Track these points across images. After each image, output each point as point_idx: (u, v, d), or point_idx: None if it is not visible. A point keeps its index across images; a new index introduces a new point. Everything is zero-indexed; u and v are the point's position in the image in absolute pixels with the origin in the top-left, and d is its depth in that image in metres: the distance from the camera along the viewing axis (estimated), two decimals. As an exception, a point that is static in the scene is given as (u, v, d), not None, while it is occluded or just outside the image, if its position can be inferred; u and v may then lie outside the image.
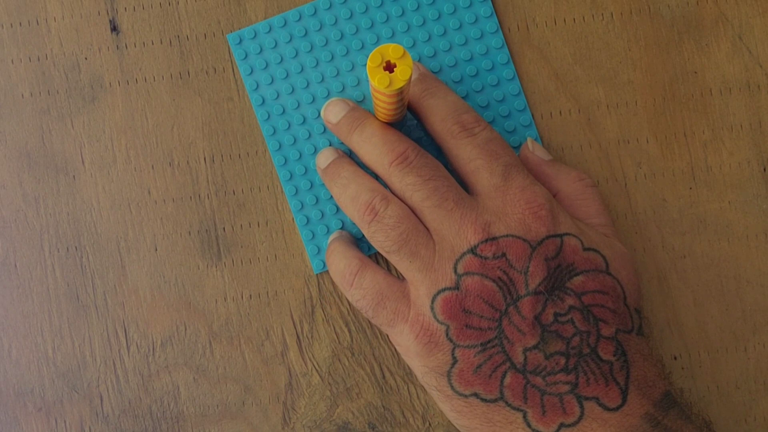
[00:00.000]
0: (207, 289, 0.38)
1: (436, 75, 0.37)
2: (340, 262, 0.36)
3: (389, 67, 0.31)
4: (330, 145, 0.37)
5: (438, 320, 0.33)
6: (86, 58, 0.38)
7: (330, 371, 0.38)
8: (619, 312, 0.33)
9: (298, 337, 0.38)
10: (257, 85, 0.37)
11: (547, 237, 0.33)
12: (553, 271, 0.33)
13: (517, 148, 0.37)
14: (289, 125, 0.37)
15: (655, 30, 0.38)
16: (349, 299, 0.35)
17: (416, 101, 0.35)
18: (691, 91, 0.38)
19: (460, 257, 0.33)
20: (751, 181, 0.38)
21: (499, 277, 0.33)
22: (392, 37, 0.37)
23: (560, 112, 0.38)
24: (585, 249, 0.33)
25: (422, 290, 0.33)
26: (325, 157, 0.37)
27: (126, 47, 0.38)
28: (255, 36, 0.37)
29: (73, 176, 0.38)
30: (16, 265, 0.38)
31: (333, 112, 0.36)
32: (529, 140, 0.37)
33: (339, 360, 0.38)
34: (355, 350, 0.38)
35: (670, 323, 0.38)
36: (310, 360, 0.38)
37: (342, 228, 0.37)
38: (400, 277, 0.35)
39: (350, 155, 0.37)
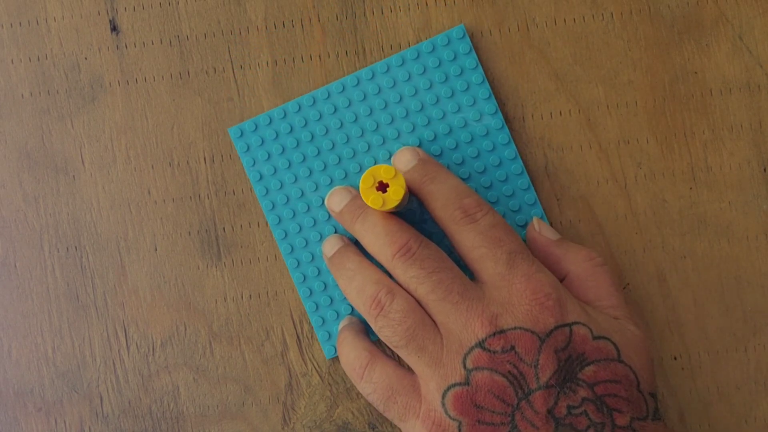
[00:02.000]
0: (207, 289, 0.38)
1: (437, 159, 0.37)
2: (350, 354, 0.35)
3: (382, 187, 0.32)
4: (335, 233, 0.37)
5: (450, 416, 0.32)
6: (86, 58, 0.38)
7: (330, 371, 0.38)
8: (633, 399, 0.32)
9: (298, 337, 0.38)
10: (260, 176, 0.37)
11: (556, 327, 0.33)
12: (563, 363, 0.32)
13: (522, 227, 0.37)
14: (294, 213, 0.37)
15: (655, 30, 0.38)
16: (360, 391, 0.35)
17: (417, 187, 0.35)
18: (692, 91, 0.38)
19: (469, 351, 0.32)
20: (752, 181, 0.37)
21: (509, 371, 0.32)
22: (391, 123, 0.37)
23: (560, 112, 0.38)
24: (595, 338, 0.33)
25: (432, 385, 0.33)
26: (330, 246, 0.37)
27: (126, 47, 0.38)
28: (256, 128, 0.37)
29: (73, 176, 0.38)
30: (15, 265, 0.38)
31: (335, 200, 0.36)
32: (535, 220, 0.37)
33: (339, 360, 0.38)
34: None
35: (670, 324, 0.38)
36: (310, 360, 0.38)
37: (351, 313, 0.37)
38: (409, 369, 0.35)
39: (356, 242, 0.37)
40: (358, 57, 0.38)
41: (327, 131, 0.37)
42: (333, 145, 0.37)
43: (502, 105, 0.38)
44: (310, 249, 0.37)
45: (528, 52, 0.38)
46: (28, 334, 0.38)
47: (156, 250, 0.38)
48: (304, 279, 0.37)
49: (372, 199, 0.32)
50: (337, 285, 0.37)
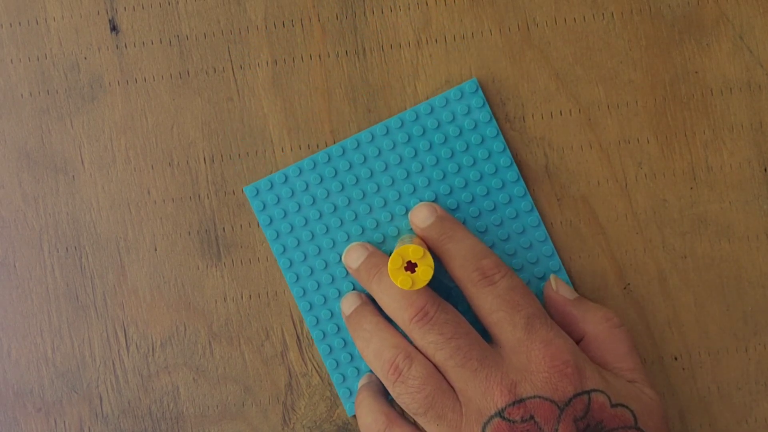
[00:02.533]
0: (207, 289, 0.38)
1: (453, 212, 0.37)
2: (367, 417, 0.35)
3: (410, 267, 0.32)
4: (354, 289, 0.37)
5: None
6: (86, 58, 0.38)
7: (330, 371, 0.38)
8: None
9: (298, 337, 0.38)
10: (277, 235, 0.37)
11: (575, 396, 0.32)
12: (583, 431, 0.32)
13: (541, 279, 0.37)
14: (312, 271, 0.37)
15: (655, 30, 0.38)
16: None
17: (435, 245, 0.35)
18: (692, 91, 0.38)
19: (488, 421, 0.32)
20: (752, 181, 0.37)
21: None
22: (407, 178, 0.37)
23: (560, 112, 0.38)
24: (613, 405, 0.33)
25: None
26: (348, 304, 0.37)
27: (126, 47, 0.38)
28: (271, 187, 0.37)
29: (73, 176, 0.38)
30: (15, 265, 0.38)
31: (352, 257, 0.36)
32: (552, 278, 0.37)
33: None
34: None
35: (670, 323, 0.38)
36: (310, 360, 0.38)
37: (371, 371, 0.37)
38: None
39: (373, 299, 0.37)
40: (358, 57, 0.38)
41: (343, 188, 0.37)
42: (349, 201, 0.37)
43: (502, 105, 0.38)
44: (328, 306, 0.37)
45: (528, 52, 0.38)
46: (27, 334, 0.38)
47: (156, 250, 0.38)
48: (324, 336, 0.37)
49: (401, 280, 0.32)
50: None
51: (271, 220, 0.37)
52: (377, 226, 0.37)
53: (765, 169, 0.38)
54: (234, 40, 0.38)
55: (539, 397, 0.32)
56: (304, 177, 0.37)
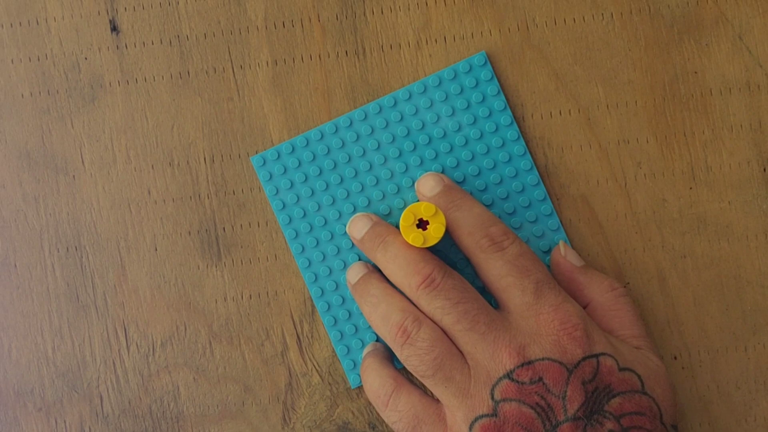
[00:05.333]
0: (207, 289, 0.38)
1: (460, 185, 0.37)
2: (374, 381, 0.35)
3: (422, 225, 0.31)
4: (359, 260, 0.37)
5: None
6: (86, 58, 0.38)
7: (330, 371, 0.38)
8: (656, 431, 0.33)
9: (298, 337, 0.38)
10: (284, 205, 0.37)
11: (584, 359, 0.33)
12: (591, 394, 0.32)
13: (546, 252, 0.37)
14: (317, 242, 0.37)
15: (655, 30, 0.38)
16: (384, 419, 0.35)
17: (442, 214, 0.35)
18: (691, 91, 0.38)
19: (497, 383, 0.32)
20: (751, 181, 0.38)
21: (537, 403, 0.32)
22: (413, 151, 0.37)
23: (560, 112, 0.38)
24: (621, 369, 0.33)
25: (459, 416, 0.33)
26: (354, 273, 0.36)
27: (126, 47, 0.38)
28: (278, 157, 0.37)
29: (73, 176, 0.38)
30: (15, 265, 0.38)
31: (357, 227, 0.36)
32: (561, 243, 0.37)
33: (339, 360, 0.38)
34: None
35: (670, 323, 0.38)
36: (310, 360, 0.38)
37: (377, 340, 0.37)
38: (435, 398, 0.34)
39: (379, 269, 0.37)
40: (358, 57, 0.38)
41: (350, 159, 0.37)
42: (356, 172, 0.37)
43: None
44: (333, 277, 0.37)
45: (528, 52, 0.38)
46: (28, 334, 0.38)
47: (156, 250, 0.38)
48: (329, 307, 0.37)
49: (413, 237, 0.32)
50: (361, 313, 0.37)
51: (278, 191, 0.37)
52: (383, 197, 0.37)
53: (764, 169, 0.38)
54: (234, 40, 0.38)
55: (548, 359, 0.32)
56: (311, 148, 0.37)
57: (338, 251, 0.37)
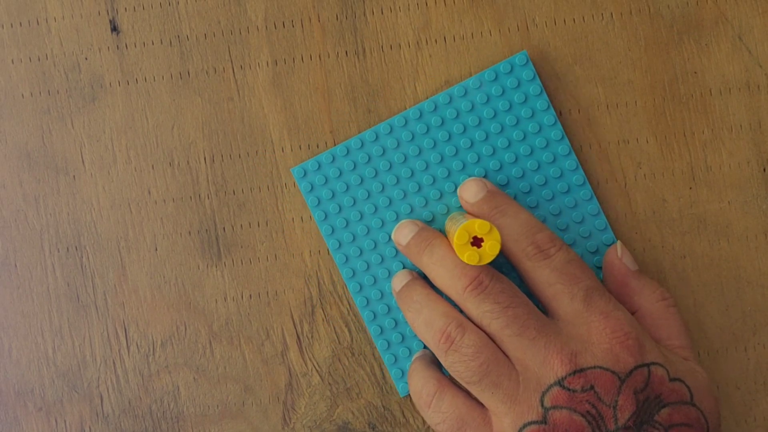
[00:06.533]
0: (207, 289, 0.38)
1: (503, 188, 0.37)
2: (418, 382, 0.35)
3: (476, 242, 0.31)
4: (404, 268, 0.37)
5: None
6: (86, 58, 0.38)
7: (330, 371, 0.38)
8: None
9: (298, 337, 0.38)
10: (325, 216, 0.37)
11: (636, 368, 0.32)
12: (642, 404, 0.32)
13: (593, 253, 0.37)
14: (361, 251, 0.37)
15: (655, 30, 0.38)
16: (427, 421, 0.34)
17: (486, 220, 0.34)
18: (691, 91, 0.38)
19: (547, 389, 0.32)
20: (751, 181, 0.38)
21: (588, 411, 0.31)
22: (455, 155, 0.37)
23: (560, 112, 0.38)
24: (671, 379, 0.32)
25: (506, 422, 0.32)
26: (398, 281, 0.36)
27: (126, 47, 0.38)
28: (319, 167, 0.37)
29: (73, 176, 0.38)
30: (16, 265, 0.38)
31: (402, 233, 0.36)
32: (619, 244, 0.36)
33: (339, 360, 0.38)
34: (355, 350, 0.38)
35: (670, 323, 0.38)
36: (310, 360, 0.38)
37: (425, 347, 0.37)
38: (479, 403, 0.34)
39: (424, 276, 0.36)
40: (358, 57, 0.38)
41: (390, 166, 0.37)
42: (397, 180, 0.37)
43: (502, 105, 0.38)
44: (378, 287, 0.37)
45: (528, 52, 0.38)
46: (28, 334, 0.38)
47: (156, 250, 0.38)
48: (374, 317, 0.37)
49: (468, 255, 0.31)
50: (407, 322, 0.36)
51: (319, 201, 0.37)
52: (426, 204, 0.37)
53: (764, 169, 0.38)
54: (234, 40, 0.38)
55: (600, 367, 0.32)
56: (352, 156, 0.37)
57: (382, 260, 0.37)
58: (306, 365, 0.38)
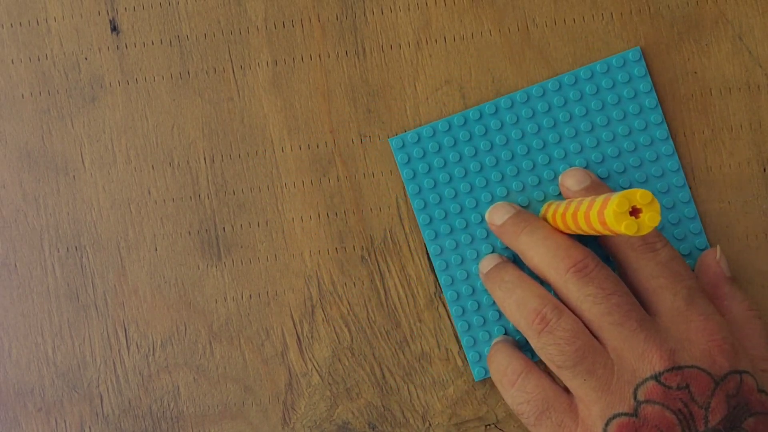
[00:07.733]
0: (207, 289, 0.38)
1: (603, 182, 0.36)
2: (503, 360, 0.34)
3: (634, 213, 0.30)
4: (494, 251, 0.37)
5: None
6: (86, 58, 0.38)
7: (330, 371, 0.38)
8: None
9: (298, 337, 0.38)
10: (419, 189, 0.37)
11: (729, 373, 0.32)
12: (732, 409, 0.32)
13: (686, 256, 0.37)
14: (451, 230, 0.37)
15: (654, 30, 0.38)
16: (508, 401, 0.34)
17: None
18: (691, 91, 0.38)
19: (642, 383, 0.32)
20: (751, 181, 0.38)
21: (680, 410, 0.31)
22: (558, 143, 0.36)
23: (560, 112, 0.38)
24: (759, 390, 0.32)
25: (595, 410, 0.32)
26: (488, 262, 0.36)
27: (126, 47, 0.38)
28: (418, 140, 0.37)
29: (73, 176, 0.38)
30: (16, 265, 0.38)
31: (498, 214, 0.35)
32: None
33: (339, 360, 0.38)
34: (355, 350, 0.38)
35: (670, 323, 0.38)
36: (310, 360, 0.38)
37: (505, 334, 0.37)
38: (565, 388, 0.34)
39: (515, 261, 0.36)
40: (358, 57, 0.38)
41: (491, 147, 0.36)
42: (497, 161, 0.36)
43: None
44: (465, 267, 0.37)
45: (528, 52, 0.38)
46: (28, 334, 0.38)
47: (156, 250, 0.38)
48: (458, 297, 0.37)
49: (626, 224, 0.29)
50: (490, 306, 0.36)
51: (414, 174, 0.37)
52: (523, 189, 0.36)
53: (764, 169, 0.38)
54: (234, 40, 0.38)
55: (697, 367, 0.32)
56: (453, 133, 0.37)
57: (472, 240, 0.36)
58: (306, 365, 0.38)
